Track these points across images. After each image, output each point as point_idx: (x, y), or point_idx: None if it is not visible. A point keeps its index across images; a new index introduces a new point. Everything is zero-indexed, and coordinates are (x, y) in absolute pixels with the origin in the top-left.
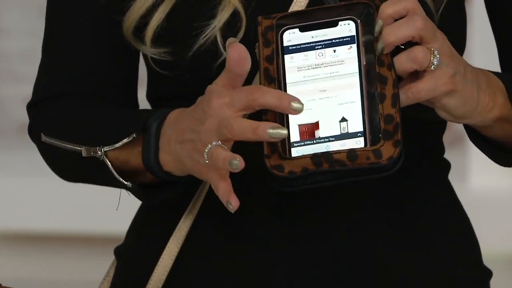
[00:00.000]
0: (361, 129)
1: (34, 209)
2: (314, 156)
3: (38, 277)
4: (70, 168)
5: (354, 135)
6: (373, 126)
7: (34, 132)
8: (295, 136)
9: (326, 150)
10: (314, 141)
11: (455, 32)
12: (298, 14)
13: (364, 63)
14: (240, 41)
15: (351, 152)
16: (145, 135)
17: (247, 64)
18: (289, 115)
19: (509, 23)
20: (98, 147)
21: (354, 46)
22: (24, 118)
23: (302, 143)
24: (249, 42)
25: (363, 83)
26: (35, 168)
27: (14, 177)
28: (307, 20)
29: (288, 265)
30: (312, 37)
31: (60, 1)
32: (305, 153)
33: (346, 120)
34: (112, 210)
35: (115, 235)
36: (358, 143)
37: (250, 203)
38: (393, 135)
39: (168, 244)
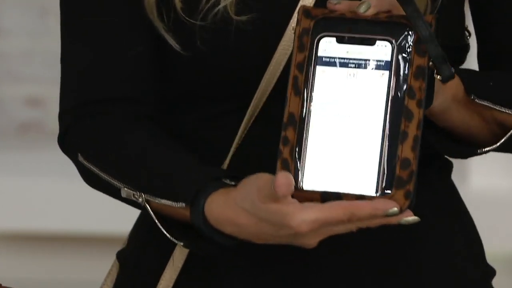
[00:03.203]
0: (376, 171)
1: (34, 209)
2: (325, 194)
3: (37, 277)
4: (107, 193)
5: (367, 177)
6: (388, 170)
7: (68, 146)
8: (310, 164)
9: (336, 191)
10: (327, 174)
11: (452, 34)
12: (338, 19)
13: (393, 94)
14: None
15: (360, 199)
16: (193, 209)
17: (292, 188)
18: (307, 143)
19: (489, 20)
20: (139, 193)
21: (387, 73)
22: (24, 118)
23: (315, 173)
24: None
25: (387, 118)
26: (35, 168)
27: (13, 177)
28: (346, 29)
29: (300, 279)
30: (347, 52)
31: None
32: (315, 188)
33: (363, 158)
34: (112, 210)
35: (116, 235)
36: (369, 187)
37: None
38: (406, 183)
39: (176, 249)
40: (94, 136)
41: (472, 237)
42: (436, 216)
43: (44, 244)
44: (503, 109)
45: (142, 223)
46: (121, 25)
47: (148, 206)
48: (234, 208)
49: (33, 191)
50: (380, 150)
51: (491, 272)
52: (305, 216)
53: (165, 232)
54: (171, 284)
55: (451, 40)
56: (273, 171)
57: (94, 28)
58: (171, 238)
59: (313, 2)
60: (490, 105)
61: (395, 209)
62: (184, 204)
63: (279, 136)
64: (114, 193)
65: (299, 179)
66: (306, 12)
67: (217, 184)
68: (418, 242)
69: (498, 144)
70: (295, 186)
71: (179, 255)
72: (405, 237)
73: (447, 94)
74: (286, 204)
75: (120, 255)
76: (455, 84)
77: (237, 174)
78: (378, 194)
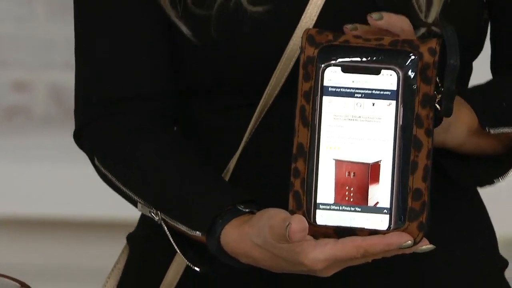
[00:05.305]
0: (388, 205)
1: (21, 195)
2: (338, 229)
3: (24, 262)
4: (124, 198)
5: (380, 210)
6: (400, 202)
7: (84, 145)
8: (322, 197)
9: (350, 225)
10: (340, 207)
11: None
12: (342, 47)
13: (401, 123)
14: None
15: (374, 233)
16: (209, 238)
17: (306, 235)
18: (318, 176)
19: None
20: (156, 211)
21: (393, 103)
22: (11, 103)
23: (328, 207)
24: None
25: (396, 149)
26: (22, 153)
27: (1, 162)
28: (351, 57)
29: None
30: (353, 81)
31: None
32: (328, 223)
33: (377, 192)
34: (102, 195)
35: (106, 219)
36: (382, 222)
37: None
38: (419, 215)
39: None
40: (110, 144)
41: (485, 227)
42: (449, 208)
43: (33, 229)
44: None
45: None
46: (134, 17)
47: (164, 226)
48: (248, 243)
49: (20, 177)
50: (391, 182)
51: (504, 263)
52: (318, 255)
53: (181, 255)
54: (185, 264)
55: (465, 23)
56: (282, 167)
57: (108, 22)
58: (187, 263)
59: (318, 10)
60: (507, 130)
61: (409, 242)
62: (200, 233)
63: (289, 130)
64: (131, 201)
65: (312, 214)
66: (310, 38)
67: (232, 213)
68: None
69: None
70: (308, 221)
71: None
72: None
73: (463, 128)
74: (299, 243)
75: (130, 238)
76: (469, 117)
77: (252, 197)
78: (391, 228)
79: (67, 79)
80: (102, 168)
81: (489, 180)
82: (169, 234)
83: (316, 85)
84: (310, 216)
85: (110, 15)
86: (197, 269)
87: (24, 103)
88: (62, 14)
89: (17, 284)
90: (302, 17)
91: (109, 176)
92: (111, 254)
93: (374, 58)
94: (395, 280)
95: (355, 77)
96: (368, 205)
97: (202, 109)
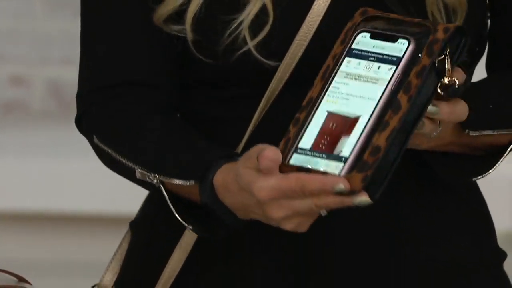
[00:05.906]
0: (348, 154)
1: (18, 189)
2: (299, 168)
3: (19, 257)
4: (123, 174)
5: (339, 158)
6: (358, 154)
7: (84, 127)
8: (304, 143)
9: (310, 167)
10: (312, 153)
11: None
12: (382, 17)
13: (393, 87)
14: (265, 37)
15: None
16: (202, 185)
17: (277, 165)
18: (311, 122)
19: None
20: (154, 174)
21: (394, 68)
22: (9, 98)
23: (304, 152)
24: (274, 37)
25: (377, 108)
26: (20, 148)
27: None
28: (380, 27)
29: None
30: (374, 46)
31: None
32: (296, 163)
33: (344, 141)
34: (98, 190)
35: (102, 214)
36: (336, 168)
37: None
38: (367, 168)
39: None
40: (109, 120)
41: (484, 220)
42: (447, 198)
43: (31, 224)
44: (505, 132)
45: (153, 196)
46: (136, 14)
47: (162, 187)
48: (231, 175)
49: (18, 171)
50: (359, 135)
51: (503, 255)
52: (263, 183)
53: (176, 215)
54: (189, 249)
55: (474, 24)
56: None
57: (112, 17)
58: (181, 221)
59: (326, 6)
60: (489, 133)
61: (342, 186)
62: (194, 182)
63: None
64: (129, 175)
65: (289, 155)
66: (364, 11)
67: (227, 160)
68: (429, 222)
69: (495, 166)
70: (282, 160)
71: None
72: (412, 216)
73: (447, 138)
74: (254, 172)
75: (133, 224)
76: (457, 130)
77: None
78: (340, 175)
79: (65, 74)
80: (100, 144)
81: (468, 178)
82: (167, 197)
83: (345, 47)
84: (286, 157)
85: (111, 15)
86: (190, 227)
87: (22, 98)
88: (60, 9)
89: (15, 278)
90: (309, 13)
91: (107, 150)
92: (109, 248)
93: (398, 28)
94: (392, 274)
95: (376, 43)
96: (334, 153)
97: (207, 98)
